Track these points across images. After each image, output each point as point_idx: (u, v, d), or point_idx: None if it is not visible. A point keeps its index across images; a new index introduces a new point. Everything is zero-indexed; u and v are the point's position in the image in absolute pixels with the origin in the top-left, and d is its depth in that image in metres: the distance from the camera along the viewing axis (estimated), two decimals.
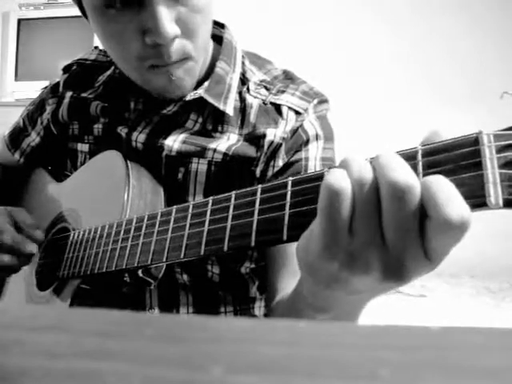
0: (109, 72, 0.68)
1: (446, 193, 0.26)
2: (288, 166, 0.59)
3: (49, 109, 0.73)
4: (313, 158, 0.59)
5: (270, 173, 0.59)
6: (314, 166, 0.58)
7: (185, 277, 0.62)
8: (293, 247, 0.55)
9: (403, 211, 0.27)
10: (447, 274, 2.40)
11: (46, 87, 0.76)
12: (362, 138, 2.30)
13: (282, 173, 0.59)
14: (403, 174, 0.27)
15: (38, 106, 0.76)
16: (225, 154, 0.58)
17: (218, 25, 0.67)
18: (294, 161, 0.59)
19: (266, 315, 0.68)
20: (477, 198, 0.27)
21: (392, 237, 0.28)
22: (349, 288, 0.32)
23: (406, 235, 0.28)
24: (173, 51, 0.53)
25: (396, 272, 0.29)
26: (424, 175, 0.29)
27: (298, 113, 0.60)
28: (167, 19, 0.50)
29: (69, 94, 0.69)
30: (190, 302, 0.63)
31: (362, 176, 0.29)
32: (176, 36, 0.52)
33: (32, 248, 0.60)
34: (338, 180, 0.29)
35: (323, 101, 0.63)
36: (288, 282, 0.54)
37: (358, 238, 0.29)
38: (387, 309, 1.90)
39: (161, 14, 0.49)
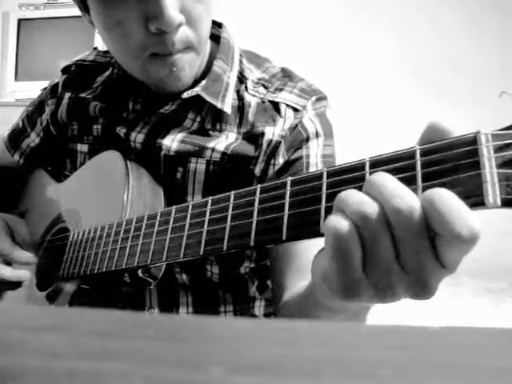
0: (107, 73, 0.68)
1: (452, 208, 0.25)
2: (289, 164, 0.59)
3: (48, 110, 0.73)
4: (314, 155, 0.59)
5: (270, 171, 0.59)
6: (315, 163, 0.58)
7: (184, 277, 0.62)
8: (296, 245, 0.55)
9: (411, 234, 0.27)
10: None
11: (44, 88, 0.76)
12: (361, 138, 2.30)
13: (283, 171, 0.59)
14: (405, 199, 0.27)
15: (37, 107, 0.76)
16: (223, 153, 0.58)
17: (216, 24, 0.67)
18: (295, 159, 0.59)
19: (271, 314, 0.68)
20: (475, 198, 0.26)
21: (408, 261, 0.27)
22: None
23: (420, 256, 0.27)
24: (176, 39, 0.52)
25: (420, 289, 0.28)
26: (422, 174, 0.28)
27: (296, 110, 0.60)
28: (172, 6, 0.50)
29: (67, 94, 0.69)
30: (190, 301, 0.63)
31: (361, 211, 0.28)
32: (181, 24, 0.52)
33: (28, 259, 0.61)
34: (338, 223, 0.28)
35: (322, 98, 0.62)
36: (293, 279, 0.54)
37: (375, 271, 0.28)
38: (387, 309, 1.89)
39: (166, 1, 0.49)
